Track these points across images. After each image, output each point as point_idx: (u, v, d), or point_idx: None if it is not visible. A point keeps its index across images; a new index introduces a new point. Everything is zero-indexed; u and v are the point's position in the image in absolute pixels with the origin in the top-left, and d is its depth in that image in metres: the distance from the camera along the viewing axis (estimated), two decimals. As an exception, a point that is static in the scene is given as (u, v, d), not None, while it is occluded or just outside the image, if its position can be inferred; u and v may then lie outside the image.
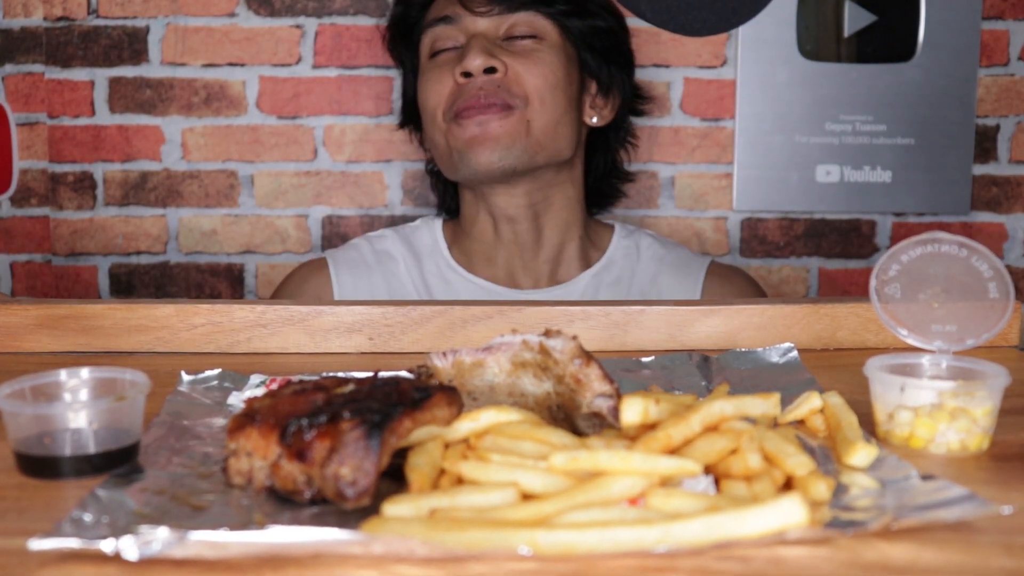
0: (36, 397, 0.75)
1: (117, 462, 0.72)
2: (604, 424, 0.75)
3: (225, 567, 0.58)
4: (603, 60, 1.59)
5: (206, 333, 1.07)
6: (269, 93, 2.15)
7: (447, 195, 1.72)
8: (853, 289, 2.31)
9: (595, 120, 1.61)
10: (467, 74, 1.47)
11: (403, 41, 1.66)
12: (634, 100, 1.77)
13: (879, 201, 2.31)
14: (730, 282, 1.65)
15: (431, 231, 1.67)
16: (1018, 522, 0.65)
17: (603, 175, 1.73)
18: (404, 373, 0.88)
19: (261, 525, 0.63)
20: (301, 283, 1.64)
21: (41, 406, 0.73)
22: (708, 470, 0.68)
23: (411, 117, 1.70)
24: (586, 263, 1.61)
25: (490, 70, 1.47)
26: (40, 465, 0.71)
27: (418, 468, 0.65)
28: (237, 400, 0.89)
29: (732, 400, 0.72)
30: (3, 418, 0.72)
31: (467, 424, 0.70)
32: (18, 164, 2.09)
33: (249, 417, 0.69)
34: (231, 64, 2.14)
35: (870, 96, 2.28)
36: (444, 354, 0.81)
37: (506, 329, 1.05)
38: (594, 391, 0.75)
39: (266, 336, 1.07)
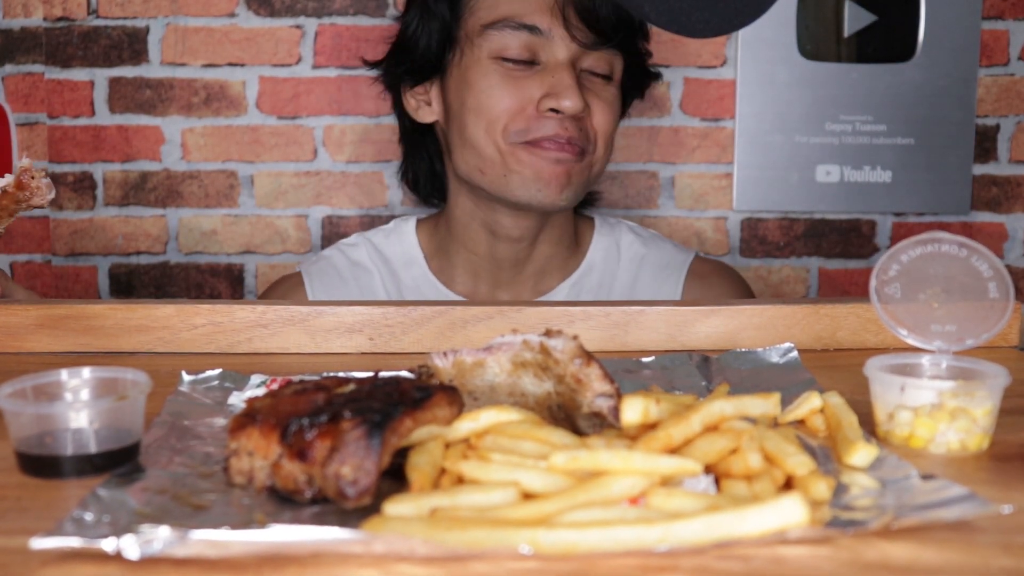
0: (37, 397, 0.75)
1: (118, 462, 0.72)
2: (605, 424, 0.75)
3: (226, 566, 0.59)
4: (638, 92, 1.59)
5: (207, 333, 1.07)
6: (269, 93, 2.15)
7: (431, 189, 1.63)
8: (853, 289, 2.31)
9: None
10: (555, 110, 1.39)
11: None
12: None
13: (879, 201, 2.31)
14: (711, 285, 1.60)
15: (404, 238, 1.60)
16: (1018, 522, 0.65)
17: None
18: (405, 373, 0.88)
19: (262, 524, 0.63)
20: (281, 298, 1.60)
21: (42, 406, 0.74)
22: (708, 470, 0.68)
23: (411, 71, 1.52)
24: (566, 271, 1.57)
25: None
26: (41, 464, 0.72)
27: (419, 467, 0.65)
28: (238, 400, 0.89)
29: (732, 400, 0.72)
30: (5, 418, 0.72)
31: (468, 424, 0.70)
32: (18, 164, 2.09)
33: (250, 417, 0.70)
34: (231, 64, 2.14)
35: (870, 96, 2.28)
36: (445, 354, 0.81)
37: (506, 329, 1.05)
38: (595, 391, 0.75)
39: (267, 336, 1.07)
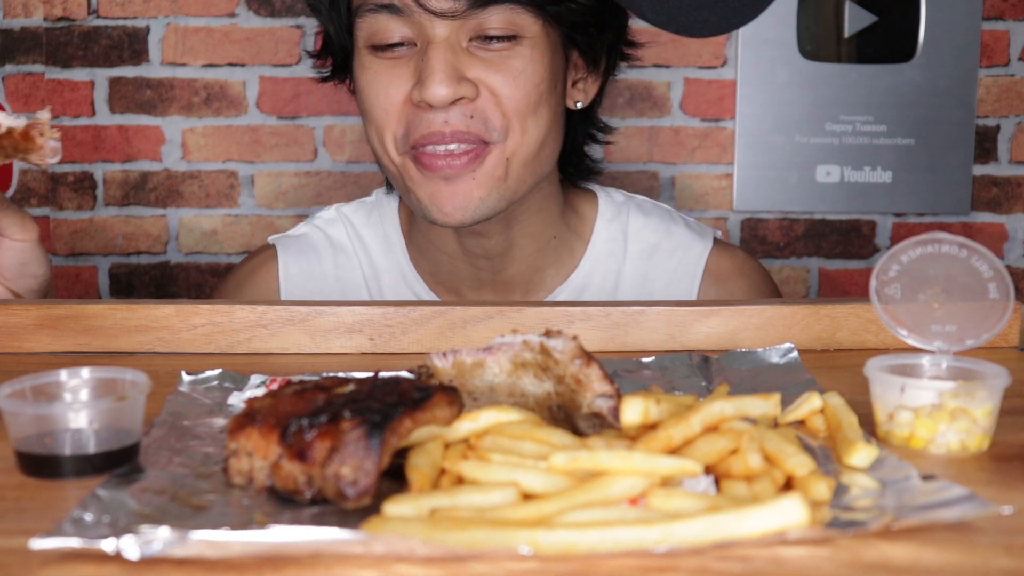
0: (37, 397, 0.75)
1: (118, 462, 0.72)
2: (604, 424, 0.75)
3: (226, 567, 0.59)
4: (595, 30, 1.26)
5: (206, 333, 1.07)
6: (269, 93, 2.15)
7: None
8: (853, 289, 2.32)
9: (579, 103, 1.32)
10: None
11: None
12: (626, 52, 1.38)
13: (879, 201, 2.31)
14: (730, 290, 1.41)
15: (386, 218, 1.42)
16: (1018, 522, 0.65)
17: (582, 145, 1.41)
18: (404, 373, 0.88)
19: (262, 525, 0.63)
20: (249, 275, 1.45)
21: (42, 406, 0.74)
22: (708, 470, 0.68)
23: (333, 69, 1.35)
24: (563, 273, 1.38)
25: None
26: (41, 464, 0.72)
27: (419, 468, 0.65)
28: (237, 400, 0.89)
29: (732, 400, 0.72)
30: (4, 418, 0.72)
31: (467, 424, 0.70)
32: (18, 164, 2.09)
33: (249, 417, 0.70)
34: (231, 64, 2.14)
35: (870, 96, 2.29)
36: (444, 354, 0.81)
37: (506, 329, 1.05)
38: (595, 391, 0.75)
39: (266, 336, 1.07)
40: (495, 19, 1.17)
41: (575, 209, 1.40)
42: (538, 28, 1.20)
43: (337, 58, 1.32)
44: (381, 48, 1.20)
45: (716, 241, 1.43)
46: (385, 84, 1.20)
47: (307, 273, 1.41)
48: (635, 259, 1.39)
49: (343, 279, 1.41)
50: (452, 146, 1.18)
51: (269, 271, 1.43)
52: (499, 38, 1.18)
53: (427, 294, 1.38)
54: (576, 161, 1.40)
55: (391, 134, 1.22)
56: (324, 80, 1.38)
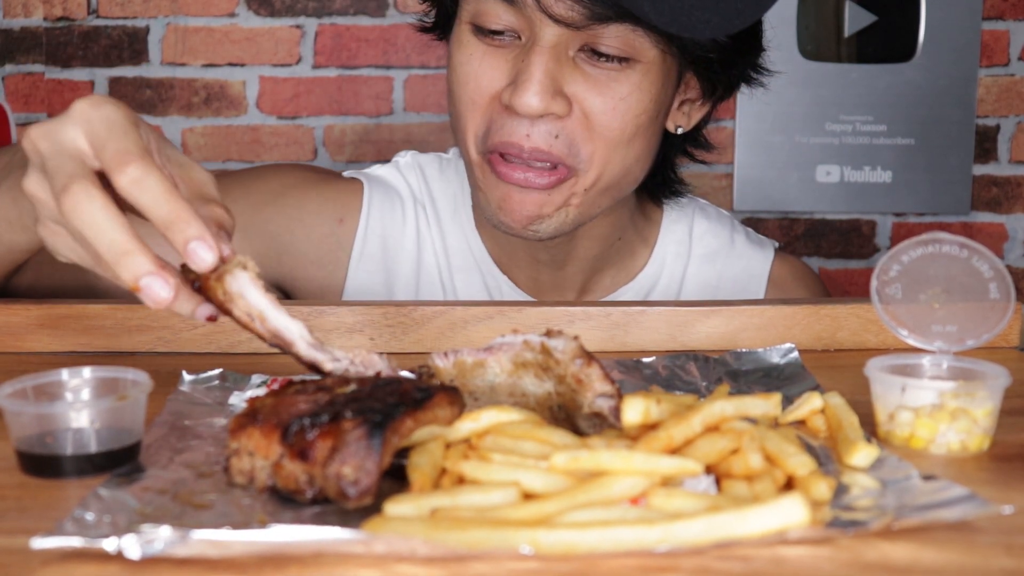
0: (38, 396, 0.75)
1: (119, 461, 0.72)
2: (605, 424, 0.75)
3: (227, 566, 0.59)
4: (720, 66, 1.16)
5: (207, 333, 1.07)
6: (269, 93, 2.15)
7: None
8: (853, 289, 2.32)
9: (680, 128, 1.23)
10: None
11: None
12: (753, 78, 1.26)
13: (879, 201, 2.31)
14: (790, 295, 1.37)
15: (459, 178, 1.34)
16: (1019, 522, 0.65)
17: (673, 164, 1.32)
18: (406, 373, 0.88)
19: (263, 524, 0.63)
20: (336, 197, 1.33)
21: (43, 405, 0.74)
22: (709, 470, 0.68)
23: (443, 25, 1.24)
24: (626, 271, 1.33)
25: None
26: (42, 464, 0.72)
27: (420, 468, 0.65)
28: (239, 400, 0.89)
29: (733, 400, 0.72)
30: (5, 417, 0.72)
31: (468, 424, 0.70)
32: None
33: (251, 417, 0.70)
34: (231, 64, 2.14)
35: (870, 96, 2.29)
36: (445, 354, 0.81)
37: (507, 329, 1.05)
38: (595, 391, 0.75)
39: (267, 336, 1.07)
40: (612, 38, 1.06)
41: (642, 212, 1.34)
42: (655, 54, 1.09)
43: (440, 15, 1.22)
44: (484, 31, 1.11)
45: (776, 251, 1.40)
46: (479, 72, 1.11)
47: (388, 219, 1.33)
48: (699, 262, 1.35)
49: (417, 231, 1.34)
50: (533, 164, 1.11)
51: (353, 206, 1.32)
52: (611, 57, 1.08)
53: (488, 263, 1.32)
54: (662, 179, 1.31)
55: (473, 130, 1.14)
56: (424, 31, 1.27)
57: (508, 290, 1.31)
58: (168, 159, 0.77)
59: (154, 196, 0.70)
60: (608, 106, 1.09)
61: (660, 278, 1.34)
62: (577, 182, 1.12)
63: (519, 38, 1.09)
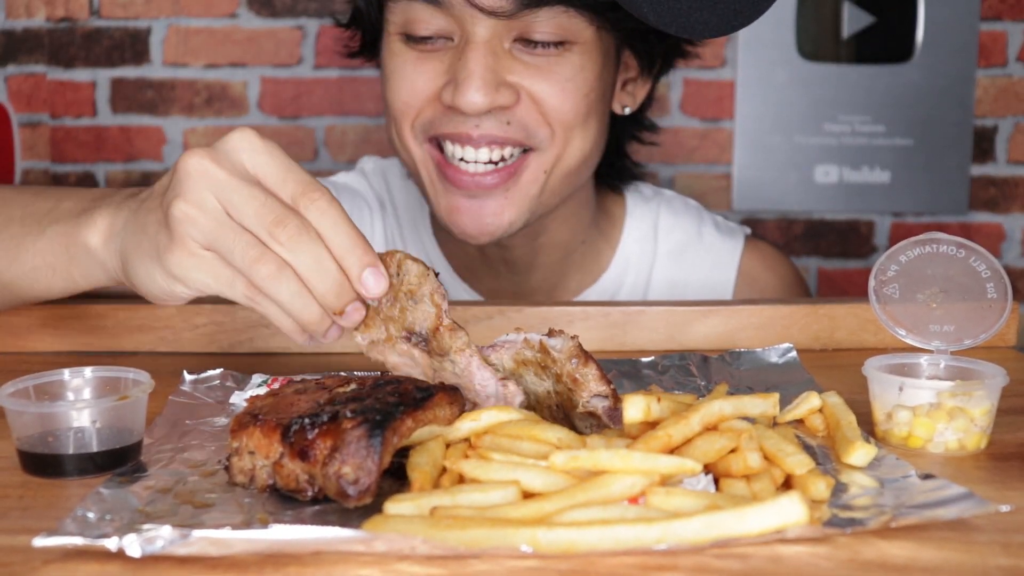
0: (40, 396, 0.75)
1: (120, 461, 0.72)
2: (601, 424, 0.76)
3: (228, 565, 0.59)
4: (655, 35, 1.14)
5: (208, 333, 1.07)
6: (270, 94, 2.15)
7: None
8: (852, 289, 2.32)
9: (627, 108, 1.22)
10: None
11: None
12: (685, 50, 1.27)
13: (877, 201, 2.32)
14: (760, 286, 1.35)
15: (414, 192, 1.31)
16: (1016, 520, 0.65)
17: (624, 147, 1.32)
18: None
19: (264, 523, 0.63)
20: None
21: (45, 405, 0.74)
22: (708, 469, 0.69)
23: (369, 45, 1.22)
24: (590, 271, 1.30)
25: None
26: (44, 463, 0.72)
27: (420, 467, 0.66)
28: (239, 399, 0.89)
29: (731, 400, 0.73)
30: (7, 417, 0.73)
31: (468, 423, 0.70)
32: (20, 164, 2.10)
33: (251, 416, 0.70)
34: (232, 65, 2.14)
35: (869, 97, 2.29)
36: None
37: (507, 329, 1.06)
38: (591, 391, 0.75)
39: (268, 336, 1.07)
40: (545, 23, 1.04)
41: (604, 209, 1.32)
42: (591, 33, 1.08)
43: (367, 35, 1.21)
44: (415, 39, 1.09)
45: (747, 239, 1.37)
46: (413, 77, 1.09)
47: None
48: (665, 259, 1.32)
49: (385, 237, 1.32)
50: (483, 155, 1.08)
51: None
52: (546, 43, 1.06)
53: (446, 270, 1.29)
54: (617, 163, 1.30)
55: (409, 125, 1.12)
56: (351, 56, 1.27)
57: (466, 298, 1.29)
58: None
59: (336, 221, 0.73)
60: (556, 89, 1.07)
61: (625, 278, 1.31)
62: (537, 166, 1.10)
63: (451, 40, 1.08)
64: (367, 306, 0.76)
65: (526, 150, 1.10)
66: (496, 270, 1.27)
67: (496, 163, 1.09)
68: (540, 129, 1.09)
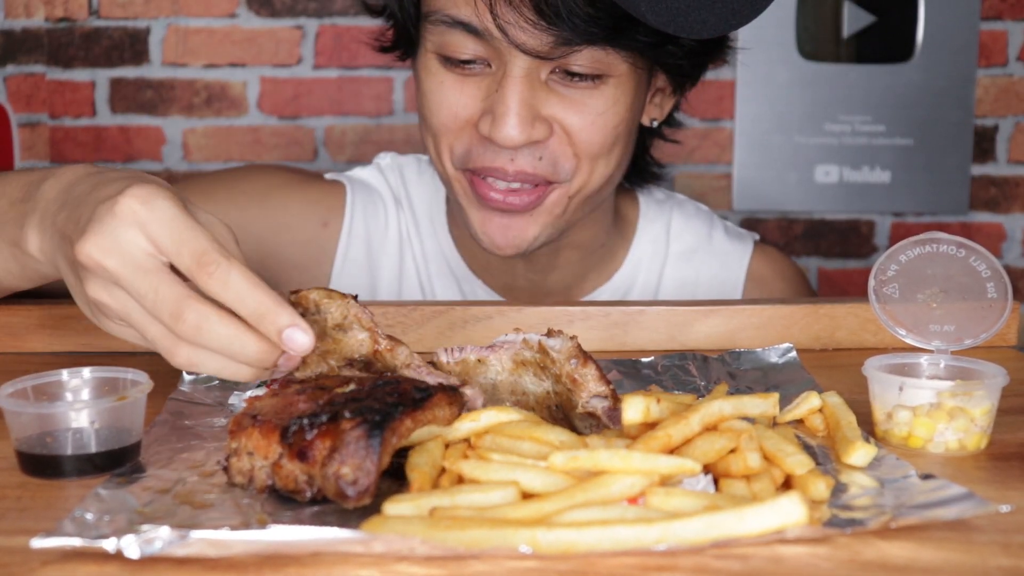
0: (38, 397, 0.75)
1: (119, 461, 0.72)
2: (600, 424, 0.75)
3: (227, 565, 0.59)
4: (690, 66, 1.16)
5: (207, 333, 1.07)
6: (270, 94, 2.15)
7: None
8: (852, 289, 2.32)
9: (655, 121, 1.24)
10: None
11: None
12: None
13: (878, 201, 2.32)
14: (768, 290, 1.37)
15: (435, 180, 1.33)
16: (1016, 521, 0.65)
17: (648, 150, 1.33)
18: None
19: (262, 524, 0.63)
20: (320, 199, 1.32)
21: (43, 406, 0.74)
22: (707, 469, 0.69)
23: (404, 43, 1.21)
24: (605, 274, 1.33)
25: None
26: (42, 464, 0.72)
27: (419, 467, 0.65)
28: (238, 400, 0.89)
29: (731, 400, 0.73)
30: (5, 417, 0.73)
31: (467, 424, 0.70)
32: (20, 164, 2.10)
33: (250, 417, 0.70)
34: (232, 65, 2.14)
35: (869, 96, 2.29)
36: (451, 351, 0.82)
37: (506, 329, 1.06)
38: (590, 391, 0.75)
39: (267, 336, 1.07)
40: (582, 58, 1.05)
41: (618, 211, 1.33)
42: (626, 67, 1.09)
43: (401, 37, 1.19)
44: (452, 61, 1.09)
45: (755, 244, 1.39)
46: (452, 101, 1.10)
47: (371, 222, 1.33)
48: (676, 260, 1.34)
49: (399, 234, 1.33)
50: (514, 184, 1.10)
51: (336, 210, 1.32)
52: (583, 76, 1.07)
53: (462, 268, 1.31)
54: (640, 167, 1.32)
55: (447, 148, 1.13)
56: (383, 50, 1.25)
57: (483, 295, 1.30)
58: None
59: (239, 291, 0.70)
60: (587, 122, 1.09)
61: (637, 278, 1.33)
62: (561, 193, 1.12)
63: (489, 65, 1.08)
64: None
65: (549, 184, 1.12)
66: (514, 269, 1.28)
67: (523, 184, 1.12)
68: (567, 163, 1.11)
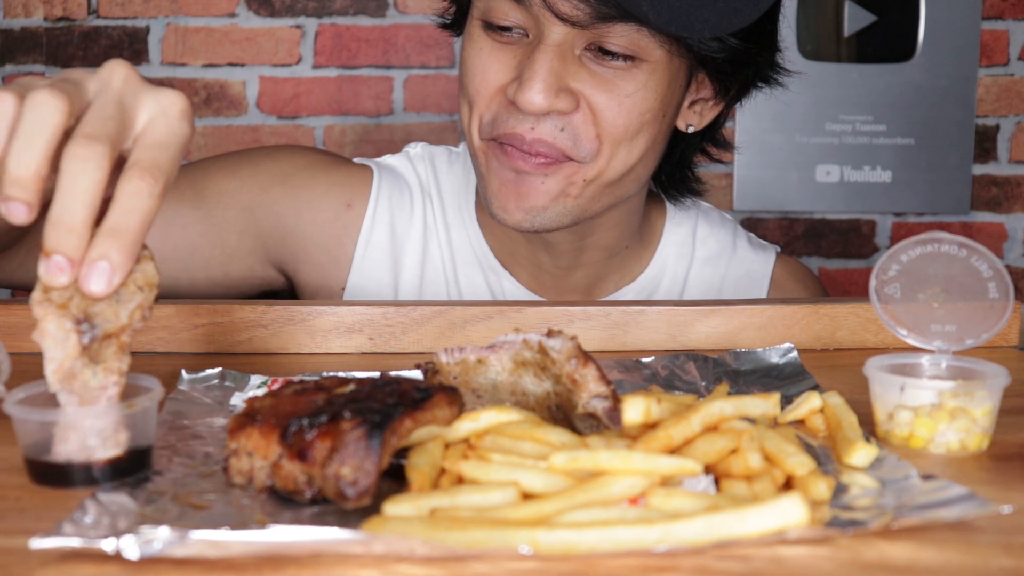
0: (47, 404, 0.74)
1: (129, 471, 0.71)
2: (601, 425, 0.75)
3: (226, 566, 0.59)
4: (730, 66, 1.15)
5: (207, 333, 1.07)
6: (269, 93, 2.15)
7: None
8: (853, 289, 2.32)
9: (691, 127, 1.24)
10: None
11: None
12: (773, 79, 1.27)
13: (879, 201, 2.31)
14: (790, 295, 1.38)
15: (465, 172, 1.34)
16: (1018, 522, 0.65)
17: (690, 163, 1.34)
18: (409, 373, 0.88)
19: (262, 525, 0.63)
20: (345, 180, 1.33)
21: (49, 413, 0.73)
22: (708, 470, 0.68)
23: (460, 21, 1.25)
24: (628, 272, 1.34)
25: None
26: (51, 473, 0.71)
27: (419, 468, 0.65)
28: (238, 400, 0.89)
29: (732, 400, 0.72)
30: (13, 425, 0.72)
31: (467, 424, 0.70)
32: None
33: (250, 417, 0.70)
34: (231, 64, 2.14)
35: (870, 96, 2.29)
36: (451, 351, 0.82)
37: (506, 329, 1.05)
38: (590, 392, 0.75)
39: (267, 336, 1.07)
40: (618, 37, 1.06)
41: (646, 215, 1.35)
42: (662, 54, 1.09)
43: (457, 11, 1.25)
44: (493, 27, 1.12)
45: (777, 255, 1.41)
46: (486, 66, 1.13)
47: (396, 208, 1.34)
48: (702, 265, 1.36)
49: (424, 223, 1.34)
50: (533, 159, 1.12)
51: (361, 192, 1.33)
52: (617, 55, 1.08)
53: (490, 259, 1.32)
54: (678, 178, 1.33)
55: (478, 117, 1.15)
56: (444, 27, 1.29)
57: (510, 287, 1.32)
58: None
59: (74, 184, 0.64)
60: (614, 103, 1.09)
61: (663, 279, 1.34)
62: (578, 171, 1.12)
63: (527, 35, 1.11)
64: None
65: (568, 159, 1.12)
66: (539, 264, 1.29)
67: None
68: (588, 143, 1.11)
